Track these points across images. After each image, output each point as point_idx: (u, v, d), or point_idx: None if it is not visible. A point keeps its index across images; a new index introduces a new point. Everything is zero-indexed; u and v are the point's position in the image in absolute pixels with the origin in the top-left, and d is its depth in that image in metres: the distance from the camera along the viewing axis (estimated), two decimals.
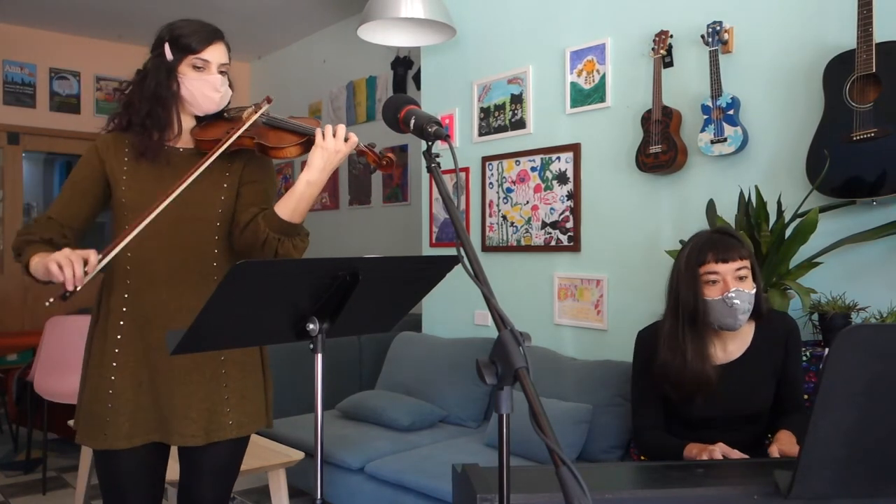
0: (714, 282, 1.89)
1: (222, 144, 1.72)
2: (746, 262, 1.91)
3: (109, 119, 1.82)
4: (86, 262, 1.52)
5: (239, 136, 1.74)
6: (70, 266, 1.49)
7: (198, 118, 1.83)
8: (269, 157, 1.82)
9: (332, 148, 1.70)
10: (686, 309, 1.92)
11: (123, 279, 1.75)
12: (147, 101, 1.74)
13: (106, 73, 6.20)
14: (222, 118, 1.84)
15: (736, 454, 1.78)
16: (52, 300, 1.51)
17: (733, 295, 1.86)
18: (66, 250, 1.54)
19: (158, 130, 1.75)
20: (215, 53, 1.77)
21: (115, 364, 1.73)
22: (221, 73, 1.78)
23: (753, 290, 1.91)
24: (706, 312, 1.91)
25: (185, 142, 1.82)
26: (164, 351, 1.72)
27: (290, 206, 1.72)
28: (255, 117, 1.77)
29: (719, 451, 1.77)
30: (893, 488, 1.31)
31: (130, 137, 1.77)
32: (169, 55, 1.74)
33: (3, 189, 5.96)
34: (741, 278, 1.89)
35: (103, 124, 1.84)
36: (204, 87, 1.76)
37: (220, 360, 1.79)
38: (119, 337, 1.74)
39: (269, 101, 1.83)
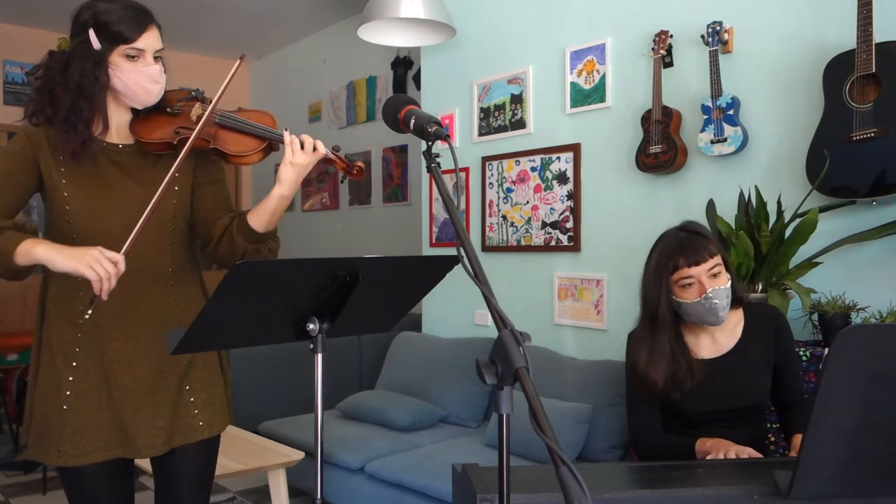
0: (689, 285, 1.90)
1: (185, 152, 1.60)
2: (718, 259, 1.91)
3: (32, 113, 1.63)
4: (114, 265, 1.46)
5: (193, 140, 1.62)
6: (107, 274, 1.44)
7: (134, 110, 1.68)
8: (229, 163, 1.73)
9: (303, 162, 1.64)
10: (659, 313, 1.93)
11: (75, 290, 1.62)
12: (70, 94, 1.57)
13: None
14: (164, 112, 1.69)
15: (751, 453, 1.79)
16: (90, 312, 1.52)
17: (712, 295, 1.88)
18: (96, 251, 1.45)
19: (84, 125, 1.59)
20: (150, 40, 1.60)
21: (71, 378, 1.62)
22: (156, 58, 1.63)
23: (729, 284, 1.92)
24: (687, 314, 1.94)
25: (122, 137, 1.68)
26: (123, 363, 1.65)
27: (264, 220, 1.68)
28: (205, 117, 1.63)
29: (734, 451, 1.78)
30: (893, 488, 1.31)
31: (53, 133, 1.61)
32: (96, 43, 1.57)
33: None
34: (715, 275, 1.90)
35: None
36: (141, 79, 1.60)
37: (185, 364, 1.72)
38: (77, 349, 1.64)
39: (206, 100, 1.69)
